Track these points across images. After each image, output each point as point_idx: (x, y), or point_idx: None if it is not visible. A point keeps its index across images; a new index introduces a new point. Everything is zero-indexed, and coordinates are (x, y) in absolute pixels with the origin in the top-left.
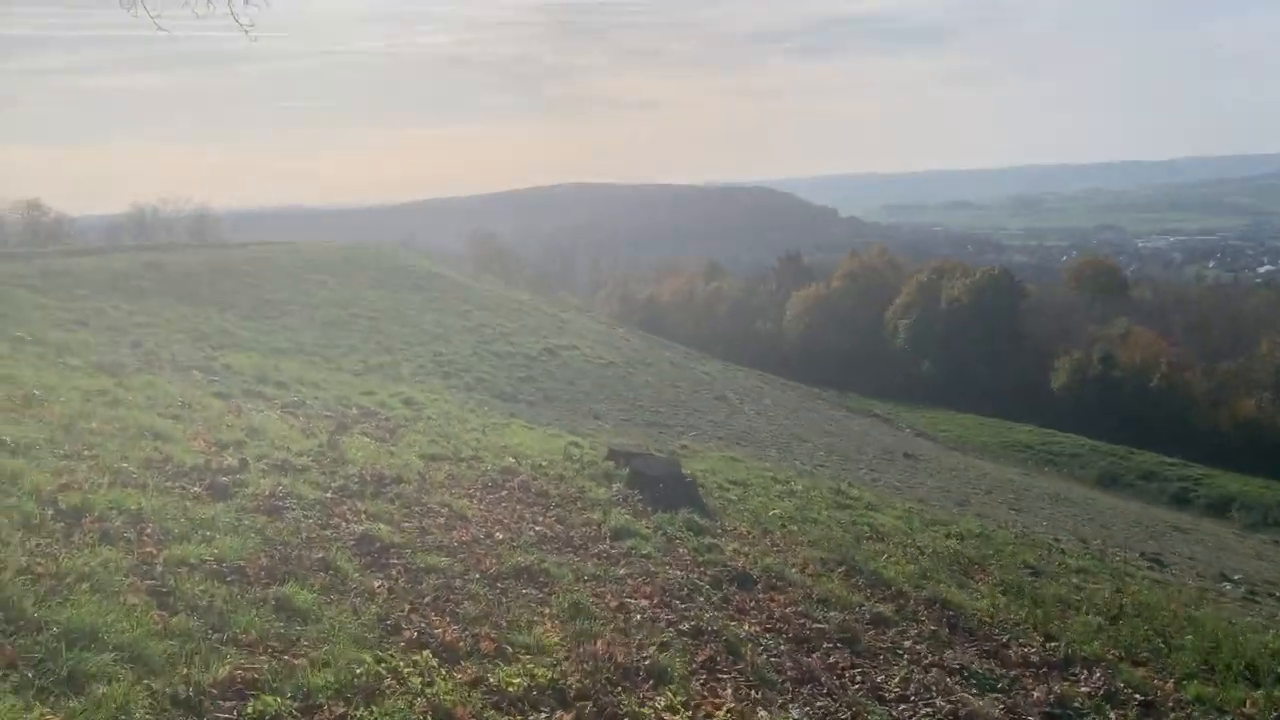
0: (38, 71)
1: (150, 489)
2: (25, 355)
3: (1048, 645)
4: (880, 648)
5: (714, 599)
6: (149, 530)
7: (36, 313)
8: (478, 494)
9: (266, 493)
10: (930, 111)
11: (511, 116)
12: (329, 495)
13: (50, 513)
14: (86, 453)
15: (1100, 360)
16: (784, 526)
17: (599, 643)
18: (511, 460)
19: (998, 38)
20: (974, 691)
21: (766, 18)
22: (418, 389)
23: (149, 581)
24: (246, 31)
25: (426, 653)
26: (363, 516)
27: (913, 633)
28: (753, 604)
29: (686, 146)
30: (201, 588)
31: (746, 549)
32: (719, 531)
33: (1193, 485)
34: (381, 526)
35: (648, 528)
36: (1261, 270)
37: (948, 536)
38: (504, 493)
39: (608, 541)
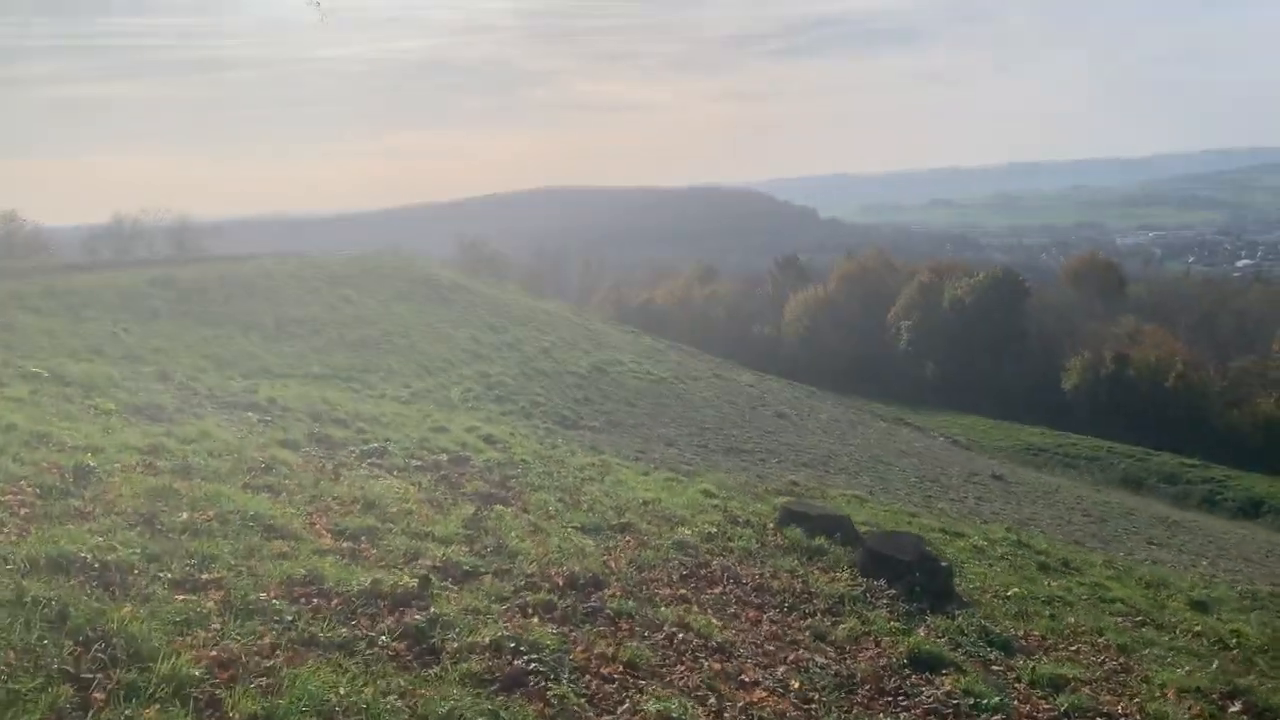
0: (13, 81)
1: (328, 648)
2: (49, 398)
3: None
4: None
5: None
6: None
7: (44, 339)
8: (691, 595)
9: (486, 641)
10: (909, 111)
11: (492, 121)
12: (553, 629)
13: None
14: (204, 575)
15: (1113, 360)
16: (1053, 618)
17: None
18: (685, 533)
19: (974, 37)
20: None
21: (743, 20)
22: (481, 419)
23: None
24: (318, 5)
25: None
26: (620, 670)
27: None
28: None
29: (667, 150)
30: None
31: (1086, 674)
32: (1019, 640)
33: (1218, 487)
34: (669, 703)
35: (947, 647)
36: (1239, 264)
37: (1193, 607)
38: (717, 590)
39: (916, 677)
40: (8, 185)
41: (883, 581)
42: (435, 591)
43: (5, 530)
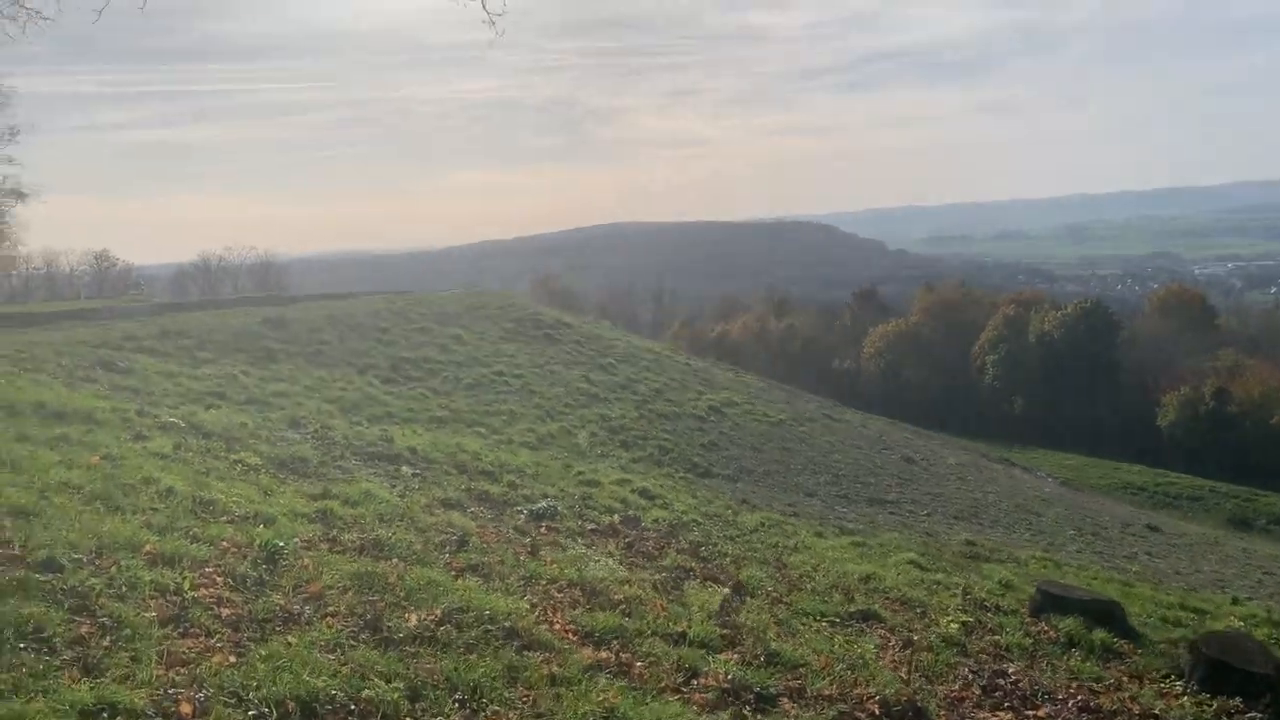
0: (101, 126)
1: None
2: (194, 453)
3: None
4: None
5: None
6: None
7: (167, 383)
8: None
9: None
10: (974, 142)
11: (560, 159)
12: None
13: None
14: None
15: (1213, 396)
16: None
17: None
18: (949, 627)
19: (1038, 68)
20: None
21: (806, 55)
22: (621, 468)
23: None
24: (493, 24)
25: None
26: None
27: None
28: None
29: (732, 184)
30: None
31: None
32: None
33: None
34: None
35: None
36: None
37: None
38: (1041, 713)
39: None
40: (98, 226)
41: (1238, 701)
42: None
43: (219, 645)
